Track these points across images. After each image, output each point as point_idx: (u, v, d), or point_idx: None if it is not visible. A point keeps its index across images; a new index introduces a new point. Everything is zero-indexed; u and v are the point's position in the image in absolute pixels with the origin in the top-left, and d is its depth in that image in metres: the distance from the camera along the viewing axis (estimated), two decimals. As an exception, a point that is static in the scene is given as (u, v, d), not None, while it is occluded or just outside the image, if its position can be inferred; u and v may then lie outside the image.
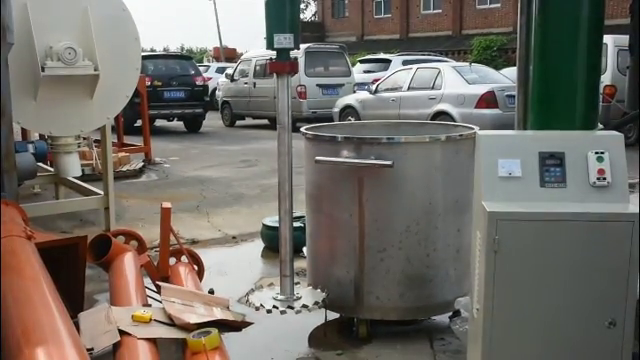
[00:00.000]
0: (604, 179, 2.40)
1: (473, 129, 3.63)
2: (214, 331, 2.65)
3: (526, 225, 2.39)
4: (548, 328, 2.41)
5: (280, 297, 3.71)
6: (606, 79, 11.23)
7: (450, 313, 3.70)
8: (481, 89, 11.60)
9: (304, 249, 4.15)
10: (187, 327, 2.74)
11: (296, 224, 4.23)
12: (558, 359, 2.42)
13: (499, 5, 31.99)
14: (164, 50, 43.55)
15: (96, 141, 7.06)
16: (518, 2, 3.16)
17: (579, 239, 2.34)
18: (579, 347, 2.39)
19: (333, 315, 3.90)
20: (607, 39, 11.05)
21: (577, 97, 2.84)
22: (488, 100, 11.35)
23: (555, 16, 2.80)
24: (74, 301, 3.42)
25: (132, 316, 2.76)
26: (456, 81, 12.20)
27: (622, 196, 2.39)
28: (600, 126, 3.09)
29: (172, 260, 4.04)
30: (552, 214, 2.37)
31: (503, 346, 2.46)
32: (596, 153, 2.43)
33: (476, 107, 11.37)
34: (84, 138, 6.17)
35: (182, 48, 57.91)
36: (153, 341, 2.66)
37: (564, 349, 2.41)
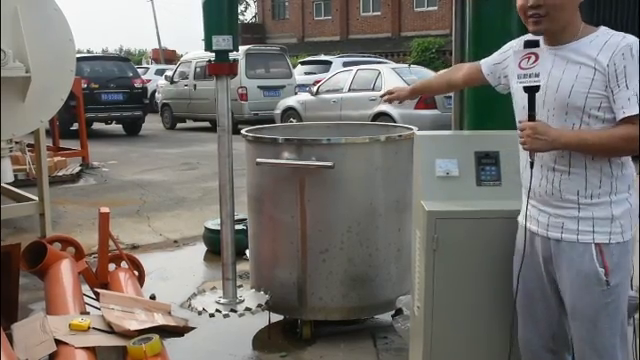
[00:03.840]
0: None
1: (412, 129, 3.69)
2: (155, 337, 2.61)
3: (464, 223, 2.45)
4: (485, 323, 2.48)
5: (223, 301, 3.68)
6: (538, 80, 11.60)
7: (392, 311, 3.75)
8: (420, 90, 11.79)
9: (247, 252, 4.13)
10: (127, 334, 2.69)
11: (238, 227, 4.21)
12: (495, 353, 2.49)
13: (436, 8, 32.65)
14: (103, 52, 42.52)
15: (30, 145, 6.82)
16: (453, 6, 3.23)
17: (514, 235, 2.40)
18: (516, 341, 2.46)
19: (277, 317, 3.90)
20: (539, 41, 11.42)
21: (509, 98, 2.93)
22: (427, 101, 11.54)
23: (487, 21, 2.88)
24: (7, 312, 3.31)
25: (69, 325, 2.69)
26: (395, 82, 12.34)
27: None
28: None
29: (112, 266, 3.96)
30: (488, 212, 2.43)
31: (443, 342, 2.51)
32: (528, 152, 2.51)
33: (416, 108, 11.55)
34: (16, 142, 5.95)
35: (121, 50, 56.79)
36: (92, 350, 2.59)
37: (500, 343, 2.47)
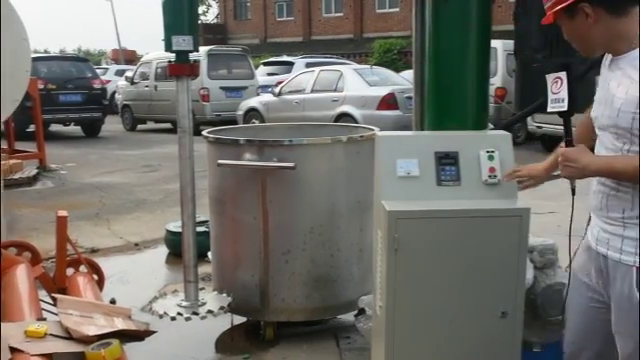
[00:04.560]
0: (495, 177, 2.52)
1: (373, 130, 3.72)
2: (115, 342, 2.57)
3: (424, 223, 2.47)
4: (446, 321, 2.50)
5: (185, 304, 3.64)
6: (497, 82, 11.80)
7: (355, 312, 3.76)
8: (382, 91, 11.88)
9: (209, 254, 4.10)
10: (86, 340, 2.63)
11: (200, 229, 4.18)
12: (456, 351, 2.52)
13: (397, 9, 32.90)
14: (60, 52, 41.60)
15: (-17, 148, 6.65)
16: (413, 7, 3.26)
17: (473, 234, 2.44)
18: (475, 338, 2.49)
19: (240, 319, 3.88)
20: (496, 44, 11.58)
21: (468, 99, 2.97)
22: (389, 102, 11.64)
23: (446, 22, 2.91)
24: (-40, 319, 3.20)
25: (25, 331, 2.61)
26: (358, 83, 12.43)
27: (511, 192, 2.52)
28: (491, 126, 3.25)
29: (70, 271, 3.87)
30: (448, 211, 2.46)
31: (405, 341, 2.52)
32: (487, 152, 2.54)
33: (378, 109, 11.63)
34: (-31, 145, 5.80)
35: (79, 50, 55.85)
36: (49, 357, 2.53)
37: (462, 341, 2.50)
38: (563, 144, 2.03)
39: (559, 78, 2.01)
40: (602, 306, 2.11)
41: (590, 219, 2.15)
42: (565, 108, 1.99)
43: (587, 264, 2.15)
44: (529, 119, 10.87)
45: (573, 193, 2.09)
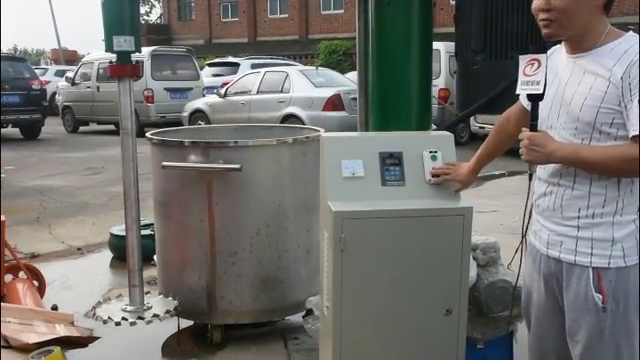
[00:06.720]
0: (438, 177, 2.57)
1: (318, 131, 3.74)
2: (56, 349, 2.52)
3: (369, 223, 2.49)
4: (392, 320, 2.53)
5: (130, 308, 3.58)
6: (440, 83, 12.04)
7: (303, 313, 3.77)
8: (328, 92, 11.95)
9: (155, 257, 4.04)
10: (25, 348, 2.57)
11: (145, 232, 4.12)
12: (403, 348, 2.56)
13: (342, 11, 33.13)
14: (-5, 51, 40.26)
15: None
16: (356, 9, 3.29)
17: (418, 234, 2.47)
18: (421, 335, 2.53)
19: (187, 323, 3.84)
20: (439, 46, 11.82)
21: (412, 100, 3.03)
22: (335, 103, 11.71)
23: (389, 24, 2.96)
24: None
25: (-39, 341, 2.54)
26: (304, 84, 12.46)
27: (454, 192, 2.57)
28: (434, 127, 3.32)
29: (8, 277, 3.77)
30: (393, 211, 2.48)
31: (352, 341, 2.54)
32: (430, 152, 2.59)
33: (324, 110, 11.69)
34: None
35: (15, 49, 54.13)
36: (-13, 366, 2.46)
37: (407, 338, 2.54)
38: (526, 128, 2.00)
39: (536, 60, 1.96)
40: (555, 312, 2.11)
41: (528, 223, 2.16)
42: (540, 91, 1.95)
43: (533, 272, 2.17)
44: (472, 120, 11.13)
45: (530, 178, 2.08)
